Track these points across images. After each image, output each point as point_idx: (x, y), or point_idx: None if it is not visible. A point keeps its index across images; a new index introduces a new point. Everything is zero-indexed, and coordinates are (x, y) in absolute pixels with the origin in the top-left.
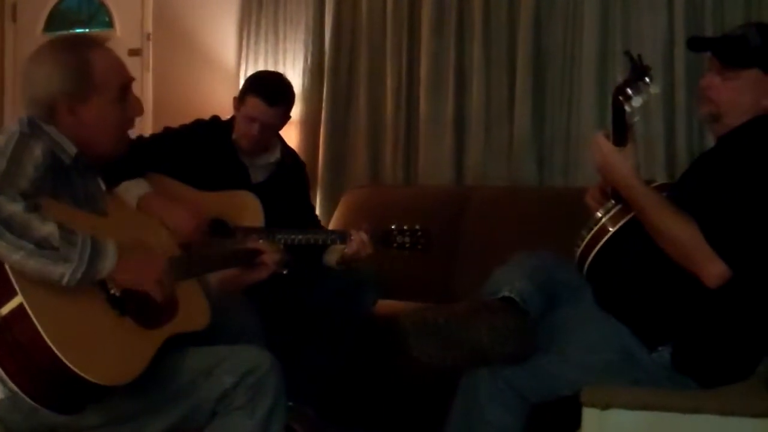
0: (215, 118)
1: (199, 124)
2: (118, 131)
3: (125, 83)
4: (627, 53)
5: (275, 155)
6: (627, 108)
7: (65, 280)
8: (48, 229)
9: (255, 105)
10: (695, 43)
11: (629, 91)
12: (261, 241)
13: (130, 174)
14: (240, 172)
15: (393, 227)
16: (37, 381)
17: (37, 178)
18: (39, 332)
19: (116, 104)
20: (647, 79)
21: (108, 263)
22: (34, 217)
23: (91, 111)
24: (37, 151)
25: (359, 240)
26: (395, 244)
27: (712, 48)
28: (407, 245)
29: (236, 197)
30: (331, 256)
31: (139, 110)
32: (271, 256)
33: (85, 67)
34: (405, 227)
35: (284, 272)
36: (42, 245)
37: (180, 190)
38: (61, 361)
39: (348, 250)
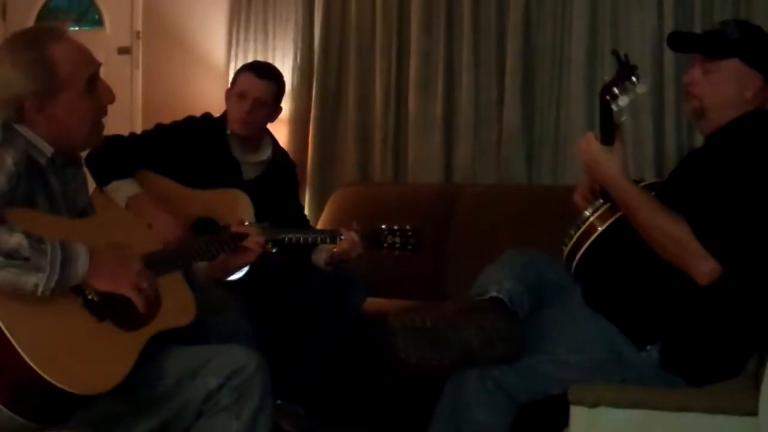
0: (207, 115)
1: (190, 120)
2: (90, 122)
3: (92, 73)
4: (614, 52)
5: (267, 153)
6: (614, 107)
7: (39, 290)
8: (16, 239)
9: (246, 79)
10: (675, 39)
11: (615, 90)
12: (246, 223)
13: (121, 171)
14: (232, 169)
15: (383, 227)
16: (19, 396)
17: (8, 189)
18: (15, 349)
19: (86, 96)
20: (634, 79)
21: (80, 268)
22: (1, 230)
23: (61, 107)
24: (9, 161)
25: (349, 240)
26: (385, 245)
27: (692, 42)
28: (397, 245)
29: (227, 195)
30: (319, 256)
31: (110, 97)
32: (255, 238)
33: (47, 64)
34: (395, 227)
35: (273, 251)
36: (12, 256)
37: (170, 187)
38: (41, 376)
39: (337, 250)
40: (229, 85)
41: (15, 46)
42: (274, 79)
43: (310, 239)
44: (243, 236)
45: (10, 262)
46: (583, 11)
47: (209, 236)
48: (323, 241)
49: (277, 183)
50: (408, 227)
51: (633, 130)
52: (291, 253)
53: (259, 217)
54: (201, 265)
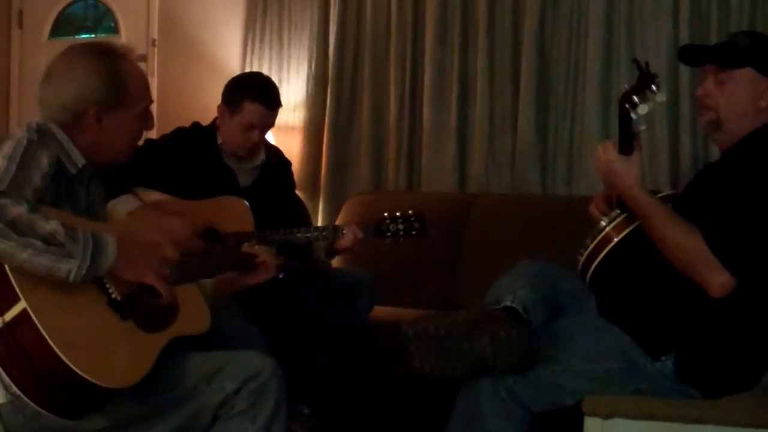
0: (196, 125)
1: (180, 132)
2: (132, 143)
3: (150, 102)
4: (635, 61)
5: (261, 157)
6: (633, 116)
7: (72, 277)
8: (52, 226)
9: (255, 111)
10: (687, 53)
11: (635, 98)
12: (256, 246)
13: (116, 191)
14: (227, 177)
15: (385, 215)
16: (41, 385)
17: (42, 188)
18: (43, 336)
19: (139, 119)
20: (654, 87)
21: (109, 258)
22: (38, 216)
23: (117, 121)
24: (44, 159)
25: (351, 235)
26: (389, 233)
27: (703, 53)
28: (401, 233)
29: (225, 203)
30: (319, 246)
31: (151, 126)
32: (266, 260)
33: (121, 77)
34: (397, 214)
35: (280, 276)
36: (48, 241)
37: (166, 201)
38: (65, 364)
39: (340, 244)
40: (228, 102)
41: (90, 54)
42: (280, 104)
43: (313, 236)
44: (254, 257)
45: (47, 248)
46: (598, 22)
47: (221, 252)
48: (326, 239)
49: (273, 185)
50: (410, 212)
51: (648, 140)
52: (292, 251)
53: (259, 221)
54: (207, 282)
